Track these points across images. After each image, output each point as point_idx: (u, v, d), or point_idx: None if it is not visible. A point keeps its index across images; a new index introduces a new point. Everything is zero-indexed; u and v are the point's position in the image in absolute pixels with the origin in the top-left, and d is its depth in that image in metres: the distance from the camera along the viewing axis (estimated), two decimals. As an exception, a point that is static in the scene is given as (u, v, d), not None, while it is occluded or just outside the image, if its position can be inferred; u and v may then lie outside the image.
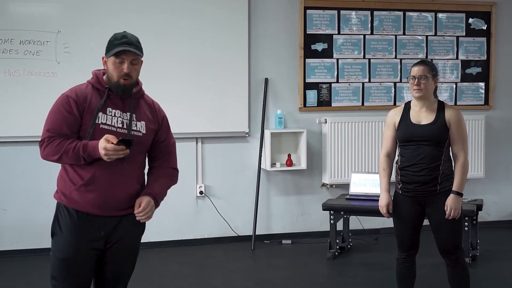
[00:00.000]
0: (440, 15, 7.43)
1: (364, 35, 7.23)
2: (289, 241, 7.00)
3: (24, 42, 6.29)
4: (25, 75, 6.27)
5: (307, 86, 7.10)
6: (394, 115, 4.47)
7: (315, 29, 7.08)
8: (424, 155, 4.27)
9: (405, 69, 7.27)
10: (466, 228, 5.99)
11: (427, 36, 7.41)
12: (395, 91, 7.32)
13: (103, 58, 3.37)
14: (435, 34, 7.43)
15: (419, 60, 4.74)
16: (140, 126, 3.36)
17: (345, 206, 6.39)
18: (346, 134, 7.07)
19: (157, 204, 3.40)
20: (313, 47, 7.09)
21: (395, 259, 4.57)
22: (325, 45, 7.12)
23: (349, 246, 6.69)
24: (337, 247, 6.45)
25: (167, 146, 3.50)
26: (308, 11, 7.03)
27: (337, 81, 7.18)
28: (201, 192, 6.90)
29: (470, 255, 6.08)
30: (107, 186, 3.24)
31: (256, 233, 6.92)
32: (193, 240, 6.90)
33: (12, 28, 6.23)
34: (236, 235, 6.99)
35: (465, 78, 7.55)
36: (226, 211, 6.98)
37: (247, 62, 6.89)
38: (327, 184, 7.15)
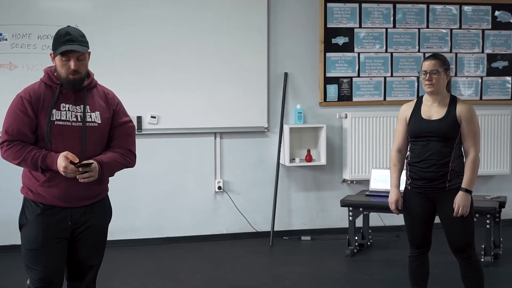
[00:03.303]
0: (465, 7, 7.26)
1: (386, 29, 7.10)
2: (308, 238, 6.92)
3: (42, 37, 6.30)
4: (43, 69, 6.26)
5: (328, 80, 7.00)
6: (406, 110, 4.37)
7: (335, 22, 6.98)
8: (433, 151, 4.17)
9: (428, 63, 7.11)
10: (488, 226, 5.87)
11: (451, 29, 7.25)
12: (418, 86, 7.17)
13: (51, 54, 3.43)
14: (460, 27, 7.27)
15: (431, 54, 4.61)
16: (95, 117, 3.43)
17: (364, 202, 6.29)
18: (367, 129, 6.96)
19: (102, 172, 3.38)
20: (333, 41, 6.98)
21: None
22: (346, 39, 7.01)
23: (369, 243, 6.59)
24: (356, 244, 6.35)
25: (123, 129, 3.56)
26: (329, 4, 6.93)
27: (358, 76, 7.07)
28: (219, 188, 6.85)
29: (493, 253, 5.94)
30: (68, 180, 3.32)
31: (275, 229, 6.87)
32: (211, 236, 6.86)
33: (30, 23, 6.26)
34: (255, 231, 6.94)
35: (491, 72, 7.37)
36: (245, 206, 6.92)
37: (266, 56, 6.82)
38: (348, 180, 7.05)
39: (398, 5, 7.10)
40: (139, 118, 6.53)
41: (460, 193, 4.15)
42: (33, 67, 6.28)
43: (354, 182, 7.06)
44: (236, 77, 6.75)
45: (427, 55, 7.04)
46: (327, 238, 6.90)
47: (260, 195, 6.94)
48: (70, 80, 3.35)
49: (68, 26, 3.48)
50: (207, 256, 6.33)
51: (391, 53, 7.12)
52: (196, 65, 6.65)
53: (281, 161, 6.88)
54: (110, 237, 6.55)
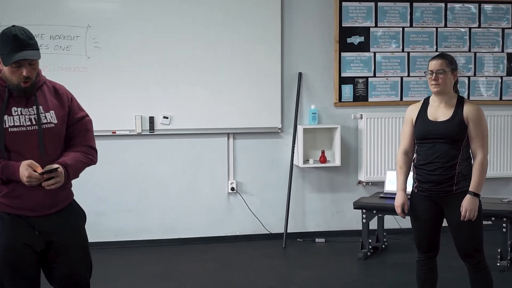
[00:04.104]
0: (484, 6, 7.10)
1: (403, 28, 6.98)
2: (322, 240, 6.82)
3: (55, 37, 6.31)
4: (55, 70, 6.27)
5: (343, 80, 6.90)
6: (412, 111, 4.26)
7: (351, 22, 6.87)
8: (439, 154, 4.05)
9: (446, 63, 6.98)
10: (504, 230, 5.73)
11: (470, 28, 7.09)
12: (436, 86, 7.03)
13: None
14: (479, 26, 7.11)
15: (438, 53, 4.48)
16: (50, 117, 3.23)
17: (378, 204, 6.17)
18: (383, 130, 6.84)
19: (68, 176, 3.19)
20: (349, 40, 6.88)
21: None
22: (362, 38, 6.90)
23: (383, 246, 6.48)
24: (370, 247, 6.24)
25: (81, 125, 3.37)
26: (344, 3, 6.83)
27: (374, 76, 6.96)
28: (232, 189, 6.79)
29: (509, 257, 5.79)
30: (31, 189, 3.12)
31: (290, 231, 6.79)
32: (224, 237, 6.81)
33: (42, 23, 6.25)
34: (268, 232, 6.86)
35: (512, 72, 7.22)
36: (258, 208, 6.86)
37: (280, 56, 6.74)
38: (363, 181, 6.94)
39: (415, 4, 6.96)
40: (151, 119, 6.50)
41: (468, 197, 4.03)
42: (46, 67, 6.18)
43: (370, 183, 6.95)
44: (250, 77, 6.69)
45: (445, 54, 6.96)
46: (341, 240, 6.80)
47: (273, 197, 6.87)
48: (22, 88, 3.11)
49: (13, 26, 3.14)
50: (218, 258, 6.27)
51: (408, 53, 6.99)
52: (209, 65, 6.60)
53: (294, 162, 6.80)
54: (123, 237, 6.64)
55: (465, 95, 7.09)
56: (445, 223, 4.21)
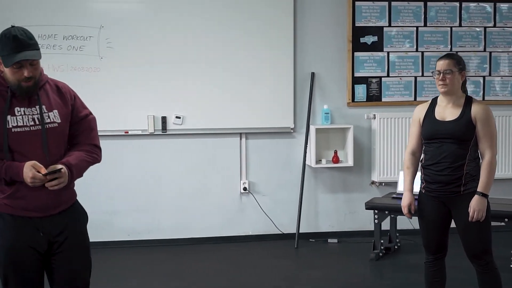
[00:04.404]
0: (500, 5, 7.03)
1: (417, 27, 6.93)
2: (335, 240, 6.80)
3: (68, 38, 6.35)
4: (68, 70, 6.33)
5: (356, 80, 6.87)
6: (419, 111, 4.23)
7: (364, 21, 6.84)
8: (447, 154, 4.02)
9: (461, 63, 6.92)
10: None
11: (485, 28, 7.03)
12: (450, 86, 6.97)
13: None
14: (495, 26, 7.04)
15: (445, 53, 4.45)
16: (54, 116, 3.21)
17: (390, 205, 6.13)
18: (396, 130, 6.80)
19: (72, 176, 3.18)
20: (362, 40, 6.85)
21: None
22: (375, 38, 6.87)
23: (396, 247, 6.44)
24: (382, 247, 6.21)
25: (85, 123, 3.35)
26: (357, 3, 6.80)
27: (388, 75, 6.92)
28: (244, 189, 6.79)
29: (525, 260, 5.74)
30: (35, 189, 3.10)
31: (303, 231, 6.79)
32: (236, 237, 6.81)
33: (55, 23, 6.30)
34: (281, 232, 6.85)
35: (528, 72, 7.14)
36: (271, 208, 6.85)
37: (293, 56, 6.73)
38: (376, 182, 6.90)
39: (429, 3, 6.91)
40: (163, 118, 6.52)
41: (476, 197, 3.99)
42: (59, 67, 6.32)
43: (383, 184, 6.92)
44: (262, 77, 6.68)
45: (459, 54, 6.90)
46: (354, 241, 6.78)
47: (286, 197, 6.86)
48: (23, 87, 3.09)
49: (12, 26, 3.13)
50: (230, 258, 6.28)
51: (422, 52, 6.94)
52: (221, 65, 6.60)
53: (307, 162, 6.78)
54: (135, 237, 6.68)
55: (480, 95, 7.04)
56: (453, 224, 4.18)
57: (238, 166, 6.78)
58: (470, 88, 6.99)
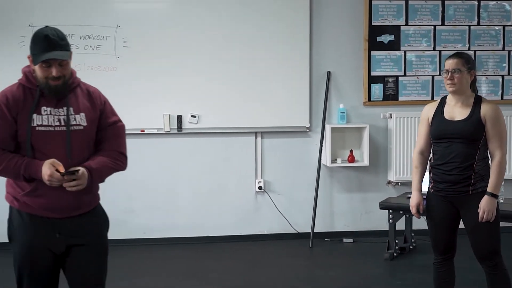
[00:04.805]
0: (520, 3, 6.96)
1: (434, 26, 6.87)
2: (350, 240, 6.78)
3: (84, 37, 6.41)
4: (85, 69, 6.37)
5: (372, 79, 6.84)
6: (428, 111, 4.21)
7: (381, 20, 6.80)
8: (456, 153, 3.99)
9: (479, 62, 6.87)
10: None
11: (504, 26, 6.95)
12: (468, 85, 6.90)
13: (29, 57, 3.16)
14: (514, 24, 6.98)
15: (454, 52, 4.42)
16: (80, 119, 3.20)
17: (404, 205, 6.04)
18: (413, 129, 6.74)
19: (92, 180, 3.16)
20: (378, 39, 6.82)
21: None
22: (392, 37, 6.83)
23: (411, 247, 6.40)
24: (397, 247, 6.18)
25: (113, 130, 3.32)
26: (374, 2, 6.77)
27: (405, 74, 6.87)
28: (260, 188, 6.80)
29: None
30: (56, 189, 3.09)
31: (318, 231, 6.77)
32: (252, 236, 6.82)
33: (72, 23, 6.35)
34: (296, 232, 6.85)
35: (548, 71, 7.05)
36: (286, 207, 6.85)
37: (309, 55, 6.71)
38: (393, 181, 6.87)
39: (447, 2, 6.85)
40: (179, 117, 6.56)
41: (485, 197, 3.96)
42: (76, 66, 6.17)
43: (399, 184, 6.88)
44: (278, 76, 6.68)
45: (478, 53, 6.86)
46: (370, 240, 6.75)
47: (301, 196, 6.85)
48: (52, 86, 3.10)
49: (46, 26, 3.17)
50: (244, 256, 6.29)
51: (440, 51, 6.89)
52: (237, 64, 6.62)
53: (322, 162, 6.77)
54: (151, 234, 6.72)
55: (498, 94, 6.98)
56: (462, 225, 4.15)
57: (254, 165, 6.80)
58: (488, 87, 6.95)
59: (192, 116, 6.59)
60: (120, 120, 3.40)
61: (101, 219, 3.38)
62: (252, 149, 6.78)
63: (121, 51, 6.47)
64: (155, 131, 6.57)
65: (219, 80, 6.61)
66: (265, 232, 6.86)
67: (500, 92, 6.97)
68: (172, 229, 6.74)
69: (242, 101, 6.65)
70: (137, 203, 6.67)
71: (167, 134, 6.60)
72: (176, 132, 6.59)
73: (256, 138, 6.78)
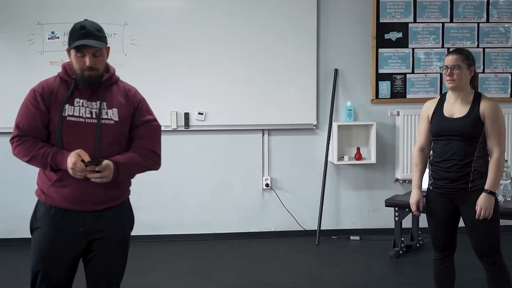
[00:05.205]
0: (530, 0, 6.91)
1: (443, 23, 6.84)
2: (357, 237, 6.77)
3: (92, 35, 6.43)
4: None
5: (380, 77, 6.82)
6: (428, 107, 4.20)
7: (389, 17, 6.78)
8: (455, 151, 3.98)
9: (488, 60, 6.83)
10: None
11: (514, 24, 6.92)
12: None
13: (67, 50, 3.23)
14: (524, 21, 6.92)
15: (454, 48, 4.40)
16: (112, 114, 3.23)
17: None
18: (420, 127, 6.72)
19: (118, 173, 3.16)
20: (386, 36, 6.79)
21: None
22: (400, 34, 6.80)
23: (417, 245, 6.38)
24: (403, 245, 6.16)
25: (146, 128, 3.34)
26: (382, -1, 6.76)
27: (413, 72, 6.85)
28: (267, 185, 6.81)
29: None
30: (81, 180, 3.12)
31: (325, 228, 6.78)
32: (258, 233, 6.83)
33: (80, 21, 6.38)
34: (303, 229, 6.85)
35: (560, 69, 6.98)
36: (293, 204, 6.85)
37: (316, 52, 6.71)
38: (400, 179, 6.84)
39: (455, -2, 6.83)
40: (186, 115, 6.58)
41: (483, 195, 3.94)
42: None
43: (407, 181, 6.85)
44: (285, 73, 6.68)
45: (487, 51, 6.82)
46: (377, 238, 6.73)
47: (308, 193, 6.85)
48: (85, 77, 3.16)
49: (85, 19, 3.26)
50: (250, 254, 6.31)
51: (448, 49, 6.83)
52: (244, 62, 6.63)
53: (329, 159, 6.77)
54: (158, 231, 6.75)
55: (508, 92, 6.93)
56: (462, 223, 4.13)
57: (261, 162, 6.80)
58: (497, 85, 6.90)
59: (199, 113, 6.61)
60: (155, 120, 3.41)
61: (126, 217, 3.40)
62: (259, 147, 6.79)
63: (129, 49, 6.50)
64: (163, 128, 6.49)
65: (226, 78, 6.62)
66: (272, 230, 6.87)
67: (509, 90, 6.92)
68: (179, 226, 6.76)
69: (249, 98, 6.66)
70: (144, 200, 6.66)
71: (174, 131, 6.62)
72: (183, 129, 6.62)
73: (263, 135, 6.79)
